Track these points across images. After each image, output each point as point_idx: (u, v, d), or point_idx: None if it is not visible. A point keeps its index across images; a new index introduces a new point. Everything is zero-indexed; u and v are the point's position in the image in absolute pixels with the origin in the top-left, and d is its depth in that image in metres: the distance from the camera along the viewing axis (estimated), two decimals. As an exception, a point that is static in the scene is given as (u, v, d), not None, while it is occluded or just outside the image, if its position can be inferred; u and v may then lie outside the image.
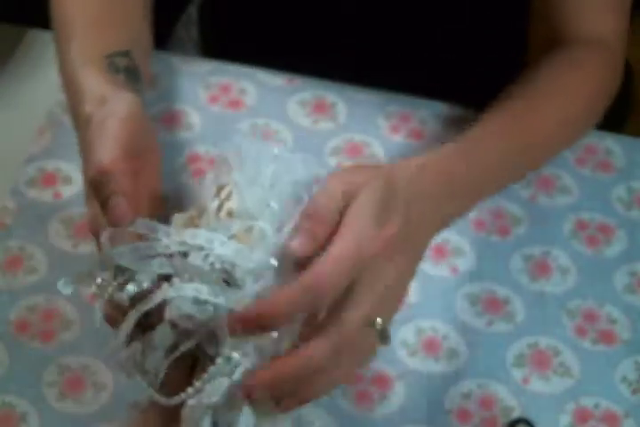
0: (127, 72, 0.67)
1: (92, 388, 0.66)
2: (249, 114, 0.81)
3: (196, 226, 0.56)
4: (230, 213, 0.56)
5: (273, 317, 0.50)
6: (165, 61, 0.84)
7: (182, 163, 0.78)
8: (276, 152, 0.59)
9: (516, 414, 0.68)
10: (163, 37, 0.88)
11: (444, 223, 0.60)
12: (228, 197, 0.57)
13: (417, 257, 0.57)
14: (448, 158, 0.61)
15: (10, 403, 0.65)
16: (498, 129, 0.66)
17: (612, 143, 0.83)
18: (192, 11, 1.11)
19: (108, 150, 0.57)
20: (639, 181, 0.80)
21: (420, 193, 0.57)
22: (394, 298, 0.55)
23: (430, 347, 0.70)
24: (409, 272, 0.57)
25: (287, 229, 0.55)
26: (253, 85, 0.83)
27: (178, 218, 0.57)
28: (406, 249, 0.55)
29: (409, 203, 0.56)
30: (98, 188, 0.56)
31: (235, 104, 0.82)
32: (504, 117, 0.68)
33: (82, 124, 0.62)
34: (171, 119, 0.80)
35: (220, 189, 0.58)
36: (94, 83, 0.64)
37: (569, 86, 0.72)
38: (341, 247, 0.52)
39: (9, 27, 0.85)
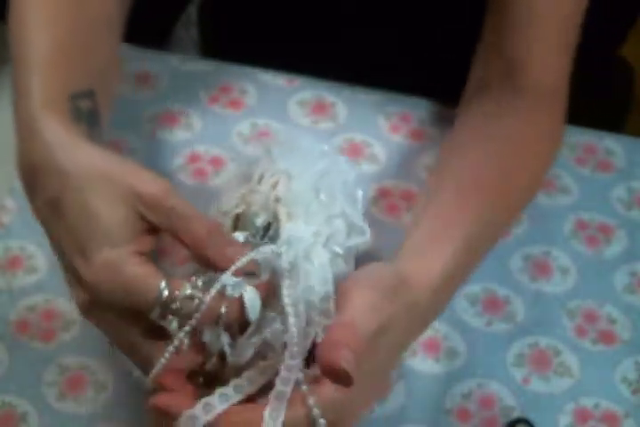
0: (89, 117, 0.60)
1: (92, 388, 0.66)
2: (249, 114, 0.81)
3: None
4: (277, 200, 0.56)
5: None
6: (165, 61, 0.84)
7: (182, 163, 0.78)
8: (325, 149, 0.59)
9: (515, 414, 0.68)
10: (163, 37, 0.88)
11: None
12: (275, 185, 0.57)
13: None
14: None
15: (10, 403, 0.65)
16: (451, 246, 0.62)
17: (612, 143, 0.83)
18: (192, 11, 1.11)
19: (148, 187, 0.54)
20: (639, 181, 0.80)
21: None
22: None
23: (430, 347, 0.70)
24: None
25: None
26: (253, 86, 0.83)
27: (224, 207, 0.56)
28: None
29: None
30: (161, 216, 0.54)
31: (235, 104, 0.82)
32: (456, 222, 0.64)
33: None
34: (171, 119, 0.80)
35: (260, 177, 0.58)
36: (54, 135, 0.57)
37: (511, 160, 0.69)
38: None
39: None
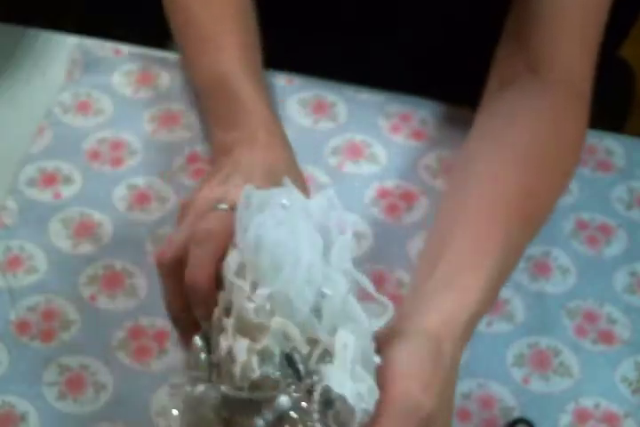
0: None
1: (92, 388, 0.66)
2: (249, 114, 0.81)
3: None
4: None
5: None
6: (165, 61, 0.84)
7: (182, 163, 0.78)
8: (284, 202, 0.55)
9: (515, 414, 0.68)
10: (163, 37, 0.88)
11: None
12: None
13: None
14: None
15: (10, 403, 0.65)
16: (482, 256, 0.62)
17: (612, 143, 0.83)
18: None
19: None
20: (639, 180, 0.80)
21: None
22: None
23: (430, 347, 0.70)
24: None
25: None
26: (253, 85, 0.83)
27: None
28: None
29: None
30: None
31: (235, 104, 0.82)
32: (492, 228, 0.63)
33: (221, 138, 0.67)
34: (171, 119, 0.80)
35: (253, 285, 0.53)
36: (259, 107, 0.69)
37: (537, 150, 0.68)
38: None
39: (9, 27, 0.85)
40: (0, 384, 0.66)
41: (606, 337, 0.72)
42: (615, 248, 0.76)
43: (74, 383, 0.66)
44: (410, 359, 0.53)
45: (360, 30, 0.88)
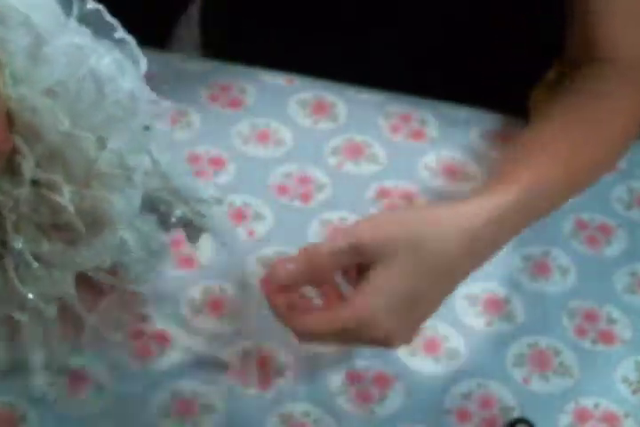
0: None
1: (92, 388, 0.66)
2: (249, 113, 0.81)
3: None
4: None
5: None
6: (165, 61, 0.84)
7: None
8: None
9: (515, 414, 0.67)
10: (163, 37, 0.88)
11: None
12: None
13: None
14: (500, 222, 0.62)
15: (10, 403, 0.65)
16: (555, 171, 0.66)
17: (612, 143, 0.83)
18: (193, 11, 1.11)
19: None
20: (639, 180, 0.80)
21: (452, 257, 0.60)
22: None
23: (430, 347, 0.70)
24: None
25: None
26: (253, 85, 0.83)
27: None
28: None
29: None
30: None
31: (235, 104, 0.82)
32: (558, 152, 0.67)
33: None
34: (170, 119, 0.80)
35: None
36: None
37: (608, 118, 0.71)
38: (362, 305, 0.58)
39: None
40: (0, 384, 0.66)
41: (606, 337, 0.72)
42: (615, 248, 0.76)
43: (74, 383, 0.66)
44: (386, 278, 0.58)
45: (360, 30, 0.88)
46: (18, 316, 0.55)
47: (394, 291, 0.58)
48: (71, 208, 0.51)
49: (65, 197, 0.51)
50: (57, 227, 0.53)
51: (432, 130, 0.82)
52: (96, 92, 0.51)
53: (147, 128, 0.55)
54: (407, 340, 0.62)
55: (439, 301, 0.61)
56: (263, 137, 0.80)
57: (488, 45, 0.85)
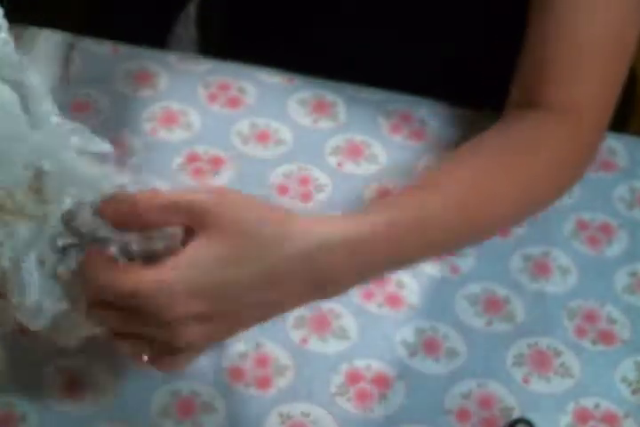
0: None
1: (92, 388, 0.66)
2: (248, 113, 0.81)
3: None
4: None
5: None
6: (164, 60, 0.84)
7: (181, 162, 0.78)
8: None
9: (515, 414, 0.68)
10: (162, 36, 0.88)
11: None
12: None
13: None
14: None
15: (10, 403, 0.65)
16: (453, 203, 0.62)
17: (614, 143, 0.83)
18: (191, 9, 1.11)
19: None
20: (641, 180, 0.81)
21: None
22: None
23: (430, 347, 0.70)
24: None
25: None
26: (253, 84, 0.83)
27: None
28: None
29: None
30: None
31: (234, 103, 0.82)
32: (460, 186, 0.64)
33: None
34: (170, 118, 0.80)
35: None
36: None
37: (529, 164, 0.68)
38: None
39: (8, 26, 0.85)
40: (0, 384, 0.66)
41: (606, 337, 0.72)
42: (616, 248, 0.76)
43: (74, 383, 0.66)
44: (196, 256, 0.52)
45: (360, 30, 0.88)
46: None
47: (210, 271, 0.52)
48: None
49: None
50: None
51: (432, 130, 0.82)
52: None
53: None
54: (198, 344, 0.55)
55: (260, 307, 0.55)
56: (263, 137, 0.80)
57: (488, 45, 0.85)
